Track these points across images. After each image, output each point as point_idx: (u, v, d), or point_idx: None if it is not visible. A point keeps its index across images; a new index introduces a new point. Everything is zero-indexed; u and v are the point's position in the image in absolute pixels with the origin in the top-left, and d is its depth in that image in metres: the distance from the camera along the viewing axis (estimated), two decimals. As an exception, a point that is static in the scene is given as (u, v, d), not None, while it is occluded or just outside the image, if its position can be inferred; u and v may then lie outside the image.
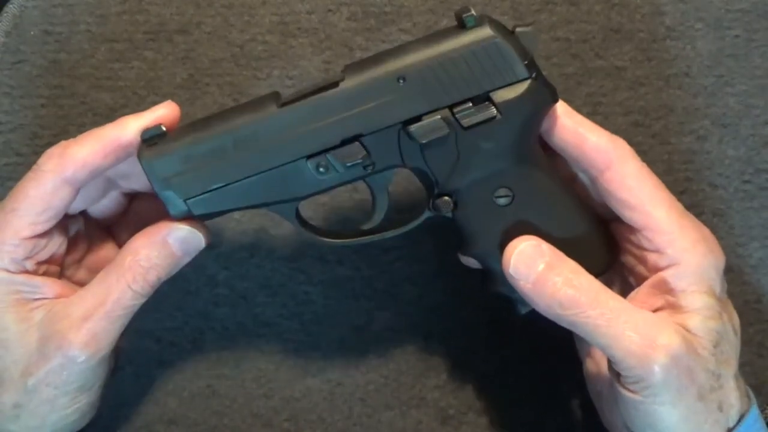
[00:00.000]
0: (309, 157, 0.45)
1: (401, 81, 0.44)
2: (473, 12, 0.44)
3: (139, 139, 0.46)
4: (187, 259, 0.47)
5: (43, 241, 0.47)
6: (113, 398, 0.52)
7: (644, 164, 0.47)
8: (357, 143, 0.45)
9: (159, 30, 0.57)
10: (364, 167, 0.46)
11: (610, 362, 0.45)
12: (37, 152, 0.56)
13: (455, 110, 0.45)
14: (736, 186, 0.57)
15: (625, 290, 0.48)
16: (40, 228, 0.46)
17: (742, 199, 0.57)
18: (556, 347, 0.54)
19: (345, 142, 0.45)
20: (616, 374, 0.45)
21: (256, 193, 0.46)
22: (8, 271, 0.46)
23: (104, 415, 0.52)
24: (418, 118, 0.45)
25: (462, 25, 0.44)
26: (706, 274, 0.45)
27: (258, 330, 0.57)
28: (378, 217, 0.49)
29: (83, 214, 0.50)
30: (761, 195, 0.57)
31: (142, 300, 0.47)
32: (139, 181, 0.49)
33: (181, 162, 0.45)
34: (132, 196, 0.52)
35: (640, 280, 0.47)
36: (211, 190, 0.46)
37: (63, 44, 0.57)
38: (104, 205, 0.51)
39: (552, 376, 0.56)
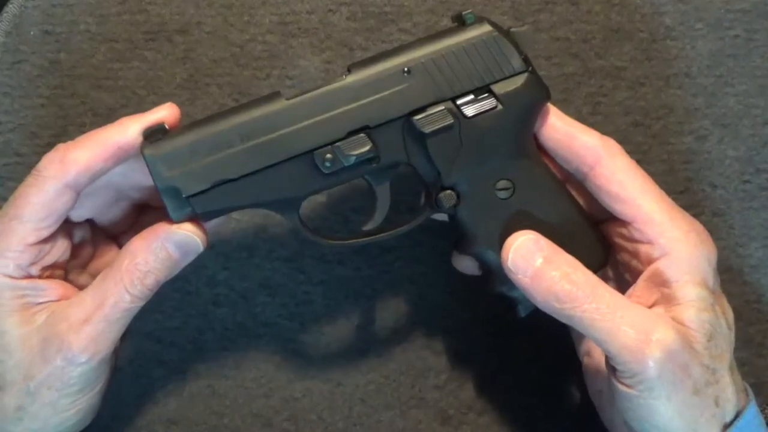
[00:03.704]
0: (315, 150, 0.45)
1: (406, 73, 0.46)
2: (471, 11, 0.47)
3: (139, 140, 0.45)
4: (185, 262, 0.47)
5: (47, 247, 0.47)
6: (113, 398, 0.52)
7: (633, 160, 0.48)
8: (363, 135, 0.46)
9: (159, 30, 0.57)
10: (369, 161, 0.46)
11: (606, 357, 0.45)
12: (37, 152, 0.56)
13: (458, 102, 0.46)
14: (736, 186, 0.57)
15: (621, 288, 0.49)
16: (45, 233, 0.46)
17: (742, 199, 0.57)
18: (556, 347, 0.54)
19: (351, 135, 0.46)
20: (612, 369, 0.45)
21: (261, 189, 0.46)
22: (12, 277, 0.46)
23: (104, 415, 0.52)
24: (422, 110, 0.46)
25: (462, 23, 0.47)
26: (698, 264, 0.45)
27: (258, 330, 0.57)
28: (379, 218, 0.49)
29: (90, 222, 0.50)
30: (761, 195, 0.57)
31: (141, 303, 0.46)
32: (151, 193, 0.49)
33: (185, 156, 0.45)
34: (141, 209, 0.52)
35: (636, 275, 0.47)
36: (214, 186, 0.45)
37: (63, 44, 0.57)
38: (113, 215, 0.51)
39: (552, 376, 0.56)
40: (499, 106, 0.46)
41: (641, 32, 0.57)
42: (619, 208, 0.47)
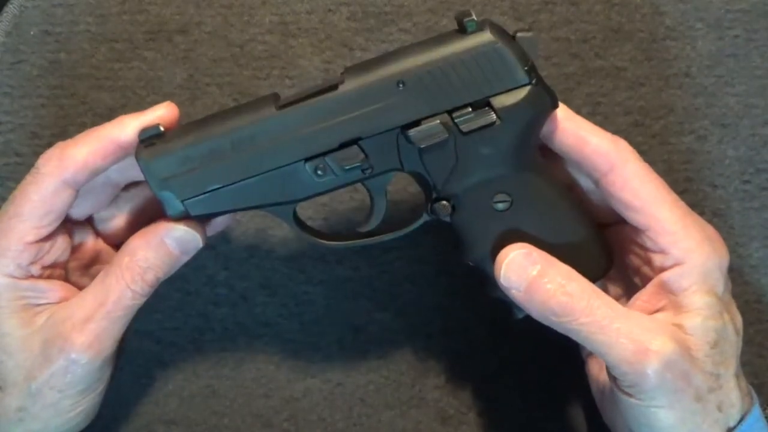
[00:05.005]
0: (307, 159, 0.45)
1: (401, 85, 0.44)
2: (474, 16, 0.44)
3: (137, 138, 0.45)
4: (185, 259, 0.47)
5: (47, 245, 0.47)
6: (113, 398, 0.52)
7: (647, 164, 0.47)
8: (355, 147, 0.45)
9: (159, 30, 0.57)
10: (363, 171, 0.46)
11: (607, 366, 0.45)
12: (37, 152, 0.55)
13: (454, 115, 0.45)
14: (736, 186, 0.57)
15: (630, 291, 0.48)
16: (44, 231, 0.46)
17: (742, 199, 0.57)
18: (556, 347, 0.54)
19: (343, 146, 0.45)
20: (613, 378, 0.45)
21: (254, 194, 0.46)
22: (14, 277, 0.46)
23: (104, 415, 0.52)
24: (417, 123, 0.45)
25: (463, 30, 0.44)
26: (709, 274, 0.45)
27: (258, 330, 0.57)
28: (375, 220, 0.48)
29: (92, 227, 0.50)
30: (761, 195, 0.57)
31: (142, 300, 0.47)
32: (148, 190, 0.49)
33: (178, 163, 0.45)
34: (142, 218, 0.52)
35: (646, 280, 0.47)
36: (208, 192, 0.45)
37: (63, 44, 0.57)
38: (119, 227, 0.51)
39: (552, 376, 0.56)
40: (498, 122, 0.44)
41: (641, 32, 0.57)
42: (633, 216, 0.46)
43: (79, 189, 0.46)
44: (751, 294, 0.57)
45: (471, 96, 0.44)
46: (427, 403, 0.56)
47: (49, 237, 0.47)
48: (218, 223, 0.50)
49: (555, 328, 0.45)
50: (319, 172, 0.45)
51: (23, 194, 0.46)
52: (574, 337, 0.44)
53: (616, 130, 0.47)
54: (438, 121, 0.45)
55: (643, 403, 0.44)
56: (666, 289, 0.45)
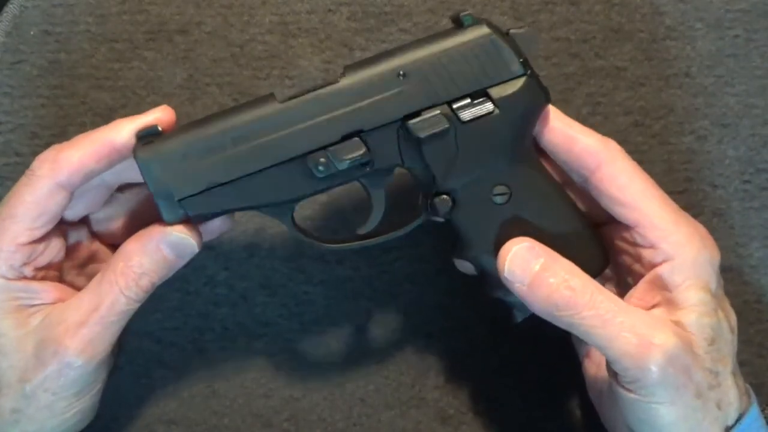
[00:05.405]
0: (308, 153, 0.45)
1: (401, 76, 0.45)
2: (470, 11, 0.46)
3: (133, 141, 0.45)
4: (180, 264, 0.47)
5: (40, 247, 0.47)
6: (113, 398, 0.52)
7: (635, 163, 0.47)
8: (357, 139, 0.45)
9: (159, 30, 0.57)
10: (363, 165, 0.46)
11: (607, 362, 0.45)
12: (37, 152, 0.55)
13: (454, 106, 0.45)
14: (736, 186, 0.57)
15: (622, 290, 0.48)
16: (38, 233, 0.46)
17: (742, 199, 0.57)
18: (556, 347, 0.54)
19: (345, 139, 0.45)
20: (614, 374, 0.45)
21: (254, 193, 0.46)
22: (6, 278, 0.46)
23: (104, 415, 0.52)
24: (417, 114, 0.45)
25: (460, 24, 0.46)
26: (701, 269, 0.45)
27: (258, 330, 0.57)
28: (374, 221, 0.49)
29: (87, 225, 0.50)
30: (761, 195, 0.57)
31: (137, 305, 0.46)
32: (143, 192, 0.49)
33: (177, 160, 0.45)
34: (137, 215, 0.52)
35: (638, 278, 0.47)
36: (207, 189, 0.45)
37: (63, 44, 0.57)
38: (111, 224, 0.51)
39: (552, 376, 0.56)
40: (496, 111, 0.45)
41: (641, 32, 0.57)
42: (622, 213, 0.46)
43: (73, 191, 0.46)
44: (751, 294, 0.57)
45: (469, 87, 0.45)
46: (427, 403, 0.56)
47: (43, 238, 0.46)
48: (214, 228, 0.49)
49: (556, 322, 0.45)
50: (321, 168, 0.45)
51: (17, 196, 0.46)
52: (575, 332, 0.44)
53: (616, 130, 0.47)
54: (438, 112, 0.45)
55: (644, 399, 0.44)
56: (659, 285, 0.45)
